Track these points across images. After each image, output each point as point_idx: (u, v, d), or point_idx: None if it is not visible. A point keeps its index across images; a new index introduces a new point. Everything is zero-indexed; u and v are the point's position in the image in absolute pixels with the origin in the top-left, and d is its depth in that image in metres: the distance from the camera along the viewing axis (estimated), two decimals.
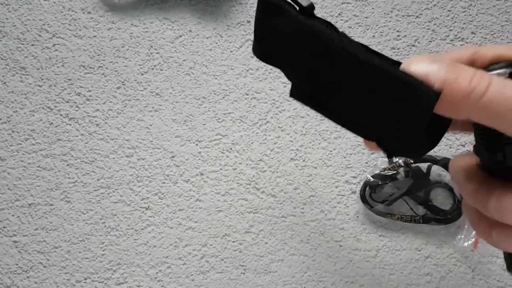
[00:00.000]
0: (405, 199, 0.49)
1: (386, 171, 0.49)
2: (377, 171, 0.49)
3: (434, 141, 0.21)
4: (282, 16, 0.22)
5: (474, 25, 0.53)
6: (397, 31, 0.53)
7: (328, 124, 0.51)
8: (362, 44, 0.21)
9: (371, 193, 0.49)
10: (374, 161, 0.51)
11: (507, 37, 0.53)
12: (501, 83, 0.18)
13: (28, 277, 0.49)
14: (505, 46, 0.23)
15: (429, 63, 0.19)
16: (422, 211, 0.49)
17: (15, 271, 0.49)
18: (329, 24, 0.21)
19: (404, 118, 0.20)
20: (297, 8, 0.22)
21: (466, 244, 0.49)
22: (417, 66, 0.19)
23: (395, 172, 0.49)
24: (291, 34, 0.22)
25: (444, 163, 0.48)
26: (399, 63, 0.20)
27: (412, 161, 0.49)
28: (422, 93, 0.19)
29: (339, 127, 0.51)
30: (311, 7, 0.21)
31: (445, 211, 0.49)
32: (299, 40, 0.22)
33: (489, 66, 0.22)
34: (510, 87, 0.18)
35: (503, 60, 0.22)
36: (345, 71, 0.21)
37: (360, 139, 0.51)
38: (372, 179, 0.49)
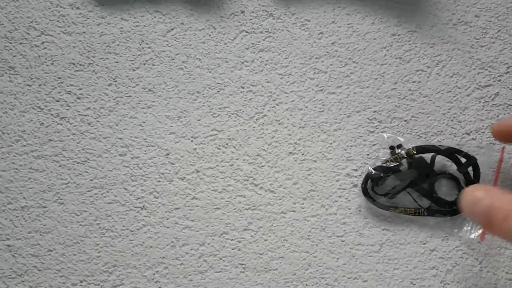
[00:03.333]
0: (408, 191, 0.48)
1: (388, 163, 0.47)
2: (378, 163, 0.47)
3: None
4: None
5: (477, 8, 0.51)
6: (397, 17, 0.51)
7: (327, 116, 0.50)
8: None
9: (373, 186, 0.48)
10: (376, 152, 0.49)
11: None
12: None
13: (23, 281, 0.48)
14: None
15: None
16: (427, 203, 0.48)
17: (10, 275, 0.48)
18: None
19: None
20: None
21: (473, 236, 0.47)
22: None
23: (398, 163, 0.47)
24: None
25: (448, 152, 0.46)
26: None
27: (415, 152, 0.47)
28: None
29: (338, 118, 0.50)
30: None
31: (450, 202, 0.47)
32: None
33: None
34: None
35: None
36: None
37: (360, 131, 0.50)
38: (373, 172, 0.47)
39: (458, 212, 0.47)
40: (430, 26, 0.51)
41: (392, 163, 0.47)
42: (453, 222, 0.48)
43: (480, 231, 0.47)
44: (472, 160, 0.46)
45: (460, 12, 0.51)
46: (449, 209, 0.47)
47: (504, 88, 0.50)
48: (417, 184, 0.47)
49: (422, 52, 0.51)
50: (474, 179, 0.47)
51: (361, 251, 0.48)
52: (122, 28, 0.51)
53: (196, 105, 0.50)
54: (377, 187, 0.48)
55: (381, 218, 0.49)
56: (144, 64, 0.50)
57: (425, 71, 0.50)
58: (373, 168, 0.47)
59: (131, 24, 0.51)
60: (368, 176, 0.47)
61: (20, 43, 0.51)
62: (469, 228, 0.47)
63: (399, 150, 0.47)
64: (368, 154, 0.49)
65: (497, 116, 0.50)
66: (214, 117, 0.50)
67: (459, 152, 0.46)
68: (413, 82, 0.50)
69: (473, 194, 0.22)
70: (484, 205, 0.21)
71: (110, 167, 0.49)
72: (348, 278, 0.48)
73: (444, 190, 0.48)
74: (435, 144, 0.47)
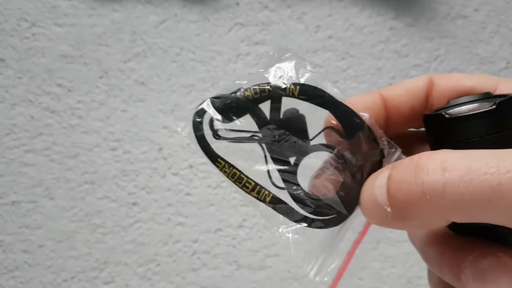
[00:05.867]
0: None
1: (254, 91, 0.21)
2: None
3: None
4: None
5: (476, 2, 0.50)
6: (395, 10, 0.50)
7: (324, 111, 0.49)
8: None
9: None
10: None
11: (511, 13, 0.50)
12: (462, 166, 0.14)
13: (13, 276, 0.48)
14: (462, 74, 0.19)
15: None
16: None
17: (0, 271, 0.48)
18: None
19: None
20: None
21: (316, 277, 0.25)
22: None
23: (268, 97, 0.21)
24: None
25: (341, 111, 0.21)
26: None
27: (296, 92, 0.21)
28: None
29: None
30: None
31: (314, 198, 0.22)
32: None
33: (447, 101, 0.18)
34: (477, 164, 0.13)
35: (463, 93, 0.18)
36: None
37: None
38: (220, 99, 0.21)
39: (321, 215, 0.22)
40: (428, 20, 0.50)
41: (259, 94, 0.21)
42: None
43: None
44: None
45: (458, 6, 0.50)
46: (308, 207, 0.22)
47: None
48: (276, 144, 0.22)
49: (420, 47, 0.50)
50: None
51: (357, 248, 0.48)
52: (113, 19, 0.50)
53: (189, 98, 0.49)
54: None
55: None
56: (136, 56, 0.49)
57: (423, 66, 0.50)
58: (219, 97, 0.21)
59: (123, 15, 0.50)
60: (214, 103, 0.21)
61: (11, 35, 0.50)
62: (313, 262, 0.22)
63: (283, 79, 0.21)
64: None
65: None
66: None
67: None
68: (411, 76, 0.50)
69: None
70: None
71: (101, 162, 0.48)
72: (344, 276, 0.48)
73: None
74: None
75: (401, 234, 0.48)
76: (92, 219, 0.48)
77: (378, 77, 0.49)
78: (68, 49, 0.50)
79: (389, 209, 0.15)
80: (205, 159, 0.50)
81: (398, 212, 0.15)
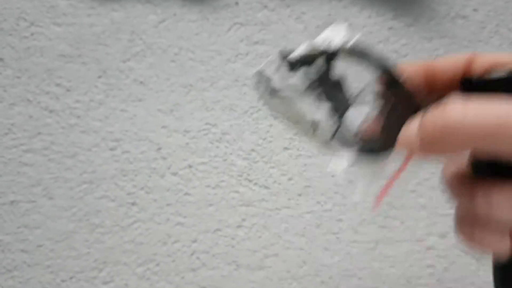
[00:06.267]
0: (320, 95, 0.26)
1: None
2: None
3: None
4: None
5: (476, 2, 0.50)
6: (394, 10, 0.50)
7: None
8: None
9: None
10: None
11: (511, 13, 0.50)
12: (479, 104, 0.18)
13: (12, 276, 0.48)
14: (504, 53, 0.22)
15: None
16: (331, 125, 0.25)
17: None
18: None
19: None
20: None
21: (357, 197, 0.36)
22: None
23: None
24: None
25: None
26: None
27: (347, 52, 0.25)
28: None
29: None
30: None
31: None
32: None
33: (485, 72, 0.21)
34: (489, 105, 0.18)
35: (501, 67, 0.21)
36: None
37: None
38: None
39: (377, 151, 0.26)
40: (428, 20, 0.50)
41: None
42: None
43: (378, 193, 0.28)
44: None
45: (458, 6, 0.50)
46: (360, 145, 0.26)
47: None
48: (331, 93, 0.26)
49: (419, 47, 0.50)
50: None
51: (357, 248, 0.48)
52: (112, 19, 0.50)
53: (188, 98, 0.49)
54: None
55: (377, 214, 0.48)
56: (135, 56, 0.49)
57: None
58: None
59: (122, 15, 0.50)
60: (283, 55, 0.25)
61: (10, 34, 0.50)
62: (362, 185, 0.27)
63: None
64: None
65: None
66: (207, 111, 0.49)
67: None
68: None
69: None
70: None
71: (100, 162, 0.48)
72: (343, 276, 0.48)
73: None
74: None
75: (400, 234, 0.48)
76: (91, 219, 0.48)
77: None
78: (67, 48, 0.49)
79: (418, 139, 0.20)
80: (204, 158, 0.49)
81: (427, 140, 0.19)
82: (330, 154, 0.24)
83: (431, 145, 0.19)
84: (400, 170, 0.24)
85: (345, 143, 0.24)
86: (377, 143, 0.23)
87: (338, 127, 0.24)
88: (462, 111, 0.18)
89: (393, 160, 0.24)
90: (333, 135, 0.24)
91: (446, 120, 0.18)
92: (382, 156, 0.23)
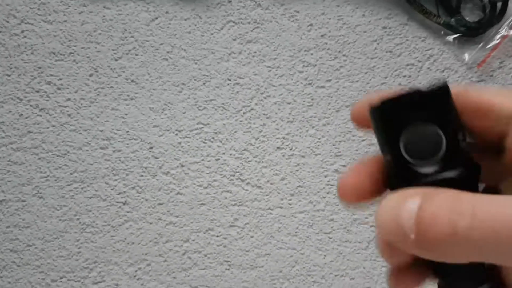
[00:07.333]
0: None
1: None
2: None
3: None
4: None
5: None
6: (388, 9, 0.50)
7: (316, 110, 0.49)
8: None
9: None
10: (365, 148, 0.48)
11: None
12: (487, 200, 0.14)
13: (1, 276, 0.47)
14: (494, 89, 0.18)
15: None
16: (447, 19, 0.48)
17: None
18: None
19: None
20: None
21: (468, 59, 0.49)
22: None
23: None
24: None
25: None
26: None
27: None
28: None
29: (327, 113, 0.49)
30: None
31: (472, 23, 0.48)
32: None
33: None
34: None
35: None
36: None
37: (349, 126, 0.49)
38: None
39: (476, 33, 0.48)
40: (422, 19, 0.50)
41: None
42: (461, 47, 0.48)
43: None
44: None
45: None
46: (469, 31, 0.47)
47: (496, 84, 0.50)
48: None
49: (413, 46, 0.50)
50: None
51: (349, 248, 0.48)
52: (104, 16, 0.49)
53: (181, 97, 0.49)
54: None
55: (370, 214, 0.48)
56: (127, 54, 0.49)
57: (416, 65, 0.50)
58: None
59: (114, 12, 0.49)
60: None
61: None
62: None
63: None
64: (357, 150, 0.49)
65: None
66: (199, 110, 0.49)
67: None
68: (404, 76, 0.50)
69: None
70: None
71: (91, 161, 0.48)
72: (335, 276, 0.47)
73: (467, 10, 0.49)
74: None
75: None
76: (82, 218, 0.47)
77: (371, 76, 0.49)
78: (58, 46, 0.49)
79: (412, 236, 0.15)
80: (196, 158, 0.49)
81: (424, 244, 0.15)
82: None
83: (428, 249, 0.15)
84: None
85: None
86: None
87: None
88: (473, 220, 0.14)
89: None
90: None
91: (456, 229, 0.14)
92: None
